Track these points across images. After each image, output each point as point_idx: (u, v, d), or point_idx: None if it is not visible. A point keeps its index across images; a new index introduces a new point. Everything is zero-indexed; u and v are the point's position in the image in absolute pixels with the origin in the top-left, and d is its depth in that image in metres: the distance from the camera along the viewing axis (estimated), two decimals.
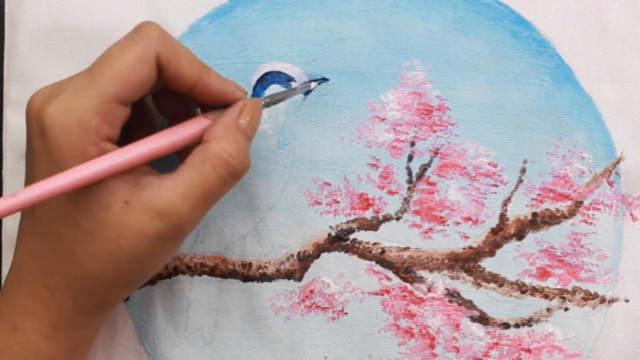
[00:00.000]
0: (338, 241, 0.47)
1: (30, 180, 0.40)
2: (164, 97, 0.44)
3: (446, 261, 0.47)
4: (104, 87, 0.38)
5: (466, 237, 0.47)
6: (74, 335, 0.42)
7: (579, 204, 0.47)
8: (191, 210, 0.39)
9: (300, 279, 0.47)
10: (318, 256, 0.47)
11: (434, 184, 0.47)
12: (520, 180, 0.47)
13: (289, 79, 0.47)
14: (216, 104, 0.42)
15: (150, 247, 0.39)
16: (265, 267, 0.47)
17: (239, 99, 0.43)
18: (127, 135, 0.42)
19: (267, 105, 0.45)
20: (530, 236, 0.47)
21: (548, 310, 0.47)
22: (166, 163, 0.43)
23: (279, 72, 0.48)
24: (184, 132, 0.41)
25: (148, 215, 0.39)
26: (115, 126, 0.39)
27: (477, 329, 0.47)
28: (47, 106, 0.38)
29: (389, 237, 0.47)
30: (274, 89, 0.47)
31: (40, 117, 0.38)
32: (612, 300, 0.46)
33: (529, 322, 0.47)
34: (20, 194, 0.36)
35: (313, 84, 0.47)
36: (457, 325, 0.47)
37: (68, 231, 0.39)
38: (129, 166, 0.39)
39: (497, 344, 0.47)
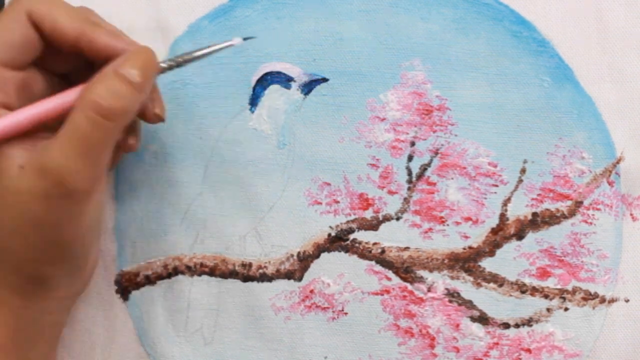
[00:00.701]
0: (338, 241, 0.47)
1: None
2: (62, 59, 0.43)
3: (446, 261, 0.47)
4: None
5: (466, 237, 0.47)
6: (12, 317, 0.41)
7: (579, 204, 0.47)
8: (70, 161, 0.38)
9: (300, 279, 0.47)
10: (318, 256, 0.47)
11: (434, 184, 0.47)
12: (520, 180, 0.47)
13: (289, 79, 0.47)
14: (108, 61, 0.40)
15: (43, 209, 0.38)
16: (265, 267, 0.47)
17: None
18: None
19: (171, 67, 0.42)
20: (530, 236, 0.47)
21: (548, 310, 0.47)
22: None
23: (278, 72, 0.48)
24: (71, 95, 0.40)
25: (36, 176, 0.38)
26: (7, 92, 0.39)
27: (477, 329, 0.47)
28: None
29: (389, 237, 0.47)
30: (273, 89, 0.47)
31: None
32: (612, 300, 0.46)
33: (529, 322, 0.47)
34: None
35: (236, 40, 0.44)
36: (457, 325, 0.47)
37: None
38: (15, 133, 0.38)
39: (497, 344, 0.47)
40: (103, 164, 0.40)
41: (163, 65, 0.42)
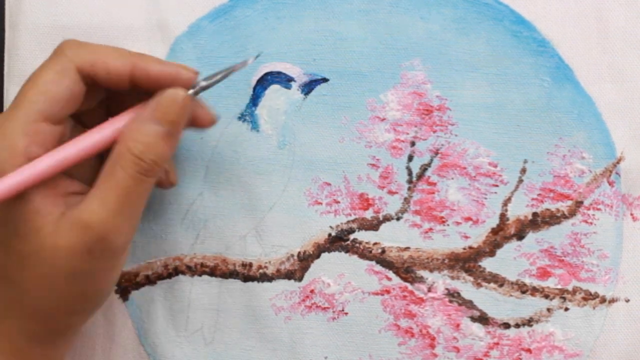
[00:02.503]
0: (338, 241, 0.47)
1: None
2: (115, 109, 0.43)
3: (446, 261, 0.47)
4: (27, 107, 0.38)
5: (466, 237, 0.47)
6: None
7: (579, 204, 0.47)
8: (113, 217, 0.38)
9: (300, 279, 0.47)
10: (318, 256, 0.47)
11: (434, 184, 0.47)
12: (521, 180, 0.47)
13: (289, 79, 0.47)
14: (163, 88, 0.40)
15: (82, 264, 0.38)
16: (266, 267, 0.47)
17: (187, 79, 0.41)
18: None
19: (198, 91, 0.42)
20: (531, 236, 0.47)
21: (548, 310, 0.47)
22: None
23: (279, 73, 0.48)
24: (102, 133, 0.40)
25: (75, 231, 0.38)
26: (46, 146, 0.39)
27: (477, 329, 0.47)
28: None
29: (389, 237, 0.47)
30: (274, 89, 0.47)
31: None
32: (612, 300, 0.46)
33: (529, 322, 0.47)
34: None
35: (251, 59, 0.43)
36: (458, 325, 0.47)
37: (4, 259, 0.39)
38: (50, 173, 0.38)
39: (497, 344, 0.47)
40: (140, 215, 0.40)
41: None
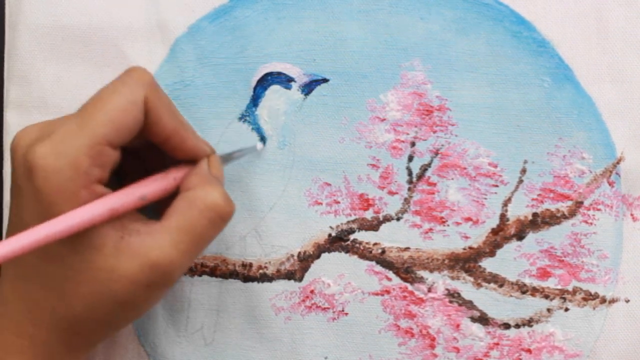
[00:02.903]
0: (338, 241, 0.47)
1: (17, 220, 0.39)
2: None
3: (446, 261, 0.47)
4: (95, 129, 0.38)
5: (466, 238, 0.47)
6: None
7: (579, 204, 0.47)
8: (182, 257, 0.39)
9: (300, 279, 0.47)
10: (318, 256, 0.47)
11: (434, 185, 0.47)
12: (521, 181, 0.47)
13: (289, 79, 0.47)
14: (185, 159, 0.42)
15: (140, 294, 0.39)
16: (266, 267, 0.47)
17: (208, 154, 0.43)
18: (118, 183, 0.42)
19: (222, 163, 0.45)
20: (531, 236, 0.47)
21: (548, 310, 0.47)
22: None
23: (279, 73, 0.48)
24: (170, 179, 0.42)
25: (139, 263, 0.38)
26: (106, 169, 0.39)
27: (477, 329, 0.47)
28: (36, 147, 0.38)
29: (389, 237, 0.47)
30: (274, 89, 0.47)
31: (29, 157, 0.38)
32: (612, 301, 0.46)
33: (529, 323, 0.47)
34: (13, 241, 0.36)
35: (259, 146, 0.47)
36: (458, 326, 0.47)
37: (57, 271, 0.39)
38: (122, 212, 0.39)
39: (497, 344, 0.47)
40: None
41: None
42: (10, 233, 0.40)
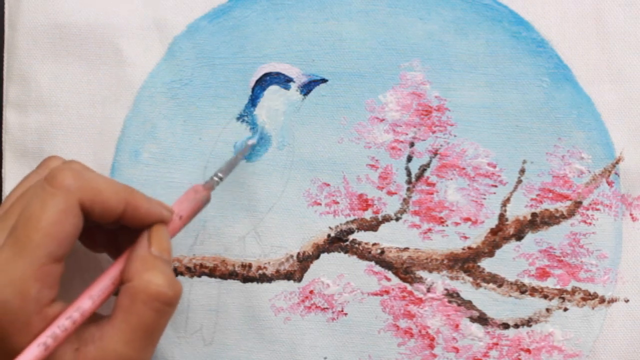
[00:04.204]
0: (337, 242, 0.47)
1: None
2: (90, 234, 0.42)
3: (445, 261, 0.47)
4: (36, 251, 0.36)
5: (465, 238, 0.47)
6: None
7: (578, 204, 0.47)
8: (140, 353, 0.38)
9: (299, 280, 0.47)
10: (318, 257, 0.47)
11: (433, 185, 0.47)
12: (520, 181, 0.47)
13: (288, 79, 0.47)
14: (145, 226, 0.41)
15: None
16: (265, 267, 0.47)
17: (166, 219, 0.41)
18: None
19: (214, 186, 0.44)
20: (530, 236, 0.47)
21: (547, 310, 0.47)
22: None
23: (277, 73, 0.48)
24: (110, 278, 0.40)
25: None
26: (55, 286, 0.38)
27: (476, 329, 0.47)
28: None
29: (388, 237, 0.47)
30: (273, 90, 0.47)
31: None
32: (611, 301, 0.47)
33: (528, 323, 0.47)
34: None
35: (250, 141, 0.47)
36: (457, 326, 0.47)
37: None
38: (73, 331, 0.38)
39: (496, 344, 0.47)
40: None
41: (215, 179, 0.44)
42: None
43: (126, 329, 0.38)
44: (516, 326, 0.47)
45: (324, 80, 0.47)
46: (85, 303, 0.38)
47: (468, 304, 0.47)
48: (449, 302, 0.47)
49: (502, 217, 0.47)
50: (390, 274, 0.47)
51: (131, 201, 0.39)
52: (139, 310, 0.38)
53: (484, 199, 0.47)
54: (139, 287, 0.38)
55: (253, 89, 0.48)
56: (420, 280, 0.47)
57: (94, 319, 0.39)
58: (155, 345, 0.39)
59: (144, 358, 0.39)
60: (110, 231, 0.42)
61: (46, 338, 0.37)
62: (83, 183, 0.38)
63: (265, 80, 0.48)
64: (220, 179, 0.44)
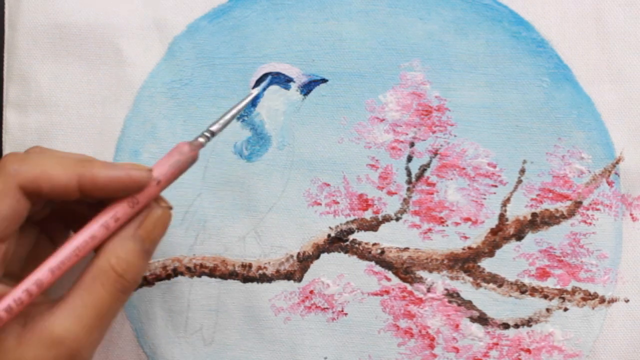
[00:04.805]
0: (338, 242, 0.47)
1: None
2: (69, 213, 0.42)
3: (445, 261, 0.47)
4: None
5: (465, 238, 0.47)
6: None
7: (578, 204, 0.47)
8: (87, 333, 0.38)
9: (300, 280, 0.47)
10: (318, 257, 0.47)
11: (434, 185, 0.47)
12: (520, 181, 0.47)
13: (288, 79, 0.47)
14: (118, 195, 0.39)
15: None
16: (265, 267, 0.47)
17: (140, 180, 0.39)
18: None
19: (209, 138, 0.42)
20: (530, 236, 0.47)
21: (548, 310, 0.47)
22: None
23: (277, 73, 0.48)
24: (76, 244, 0.39)
25: (43, 346, 0.37)
26: None
27: (476, 329, 0.47)
28: None
29: (388, 237, 0.47)
30: (273, 90, 0.47)
31: None
32: (611, 301, 0.47)
33: (528, 323, 0.47)
34: None
35: (254, 91, 0.46)
36: (457, 326, 0.47)
37: None
38: (30, 303, 0.37)
39: (496, 344, 0.47)
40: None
41: (201, 140, 0.42)
42: None
43: (80, 306, 0.38)
44: (516, 326, 0.47)
45: (324, 80, 0.47)
46: (45, 275, 0.38)
47: (468, 304, 0.47)
48: (449, 302, 0.47)
49: (502, 217, 0.47)
50: (390, 274, 0.47)
51: (85, 173, 0.38)
52: (96, 290, 0.38)
53: (484, 199, 0.47)
54: (102, 267, 0.38)
55: (253, 89, 0.48)
56: (420, 280, 0.47)
57: (47, 300, 0.39)
58: (105, 331, 0.39)
59: (92, 340, 0.38)
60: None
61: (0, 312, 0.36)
62: (24, 165, 0.38)
63: (266, 81, 0.48)
64: (212, 134, 0.42)
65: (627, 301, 0.47)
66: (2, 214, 0.38)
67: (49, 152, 0.40)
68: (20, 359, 0.37)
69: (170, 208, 0.41)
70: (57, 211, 0.43)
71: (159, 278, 0.48)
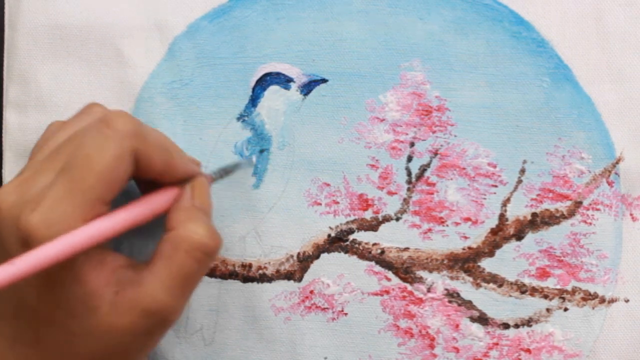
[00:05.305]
0: (338, 242, 0.47)
1: None
2: None
3: (446, 261, 0.47)
4: (86, 193, 0.37)
5: (465, 238, 0.47)
6: None
7: (578, 204, 0.47)
8: (176, 300, 0.39)
9: (300, 280, 0.47)
10: (318, 257, 0.47)
11: (434, 185, 0.47)
12: (520, 181, 0.47)
13: (288, 79, 0.47)
14: (175, 183, 0.42)
15: (140, 342, 0.39)
16: (265, 267, 0.47)
17: (197, 175, 0.43)
18: None
19: (216, 179, 0.45)
20: (530, 236, 0.47)
21: (548, 310, 0.47)
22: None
23: (278, 73, 0.48)
24: (156, 202, 0.41)
25: (135, 315, 0.38)
26: None
27: (476, 329, 0.47)
28: (28, 216, 0.36)
29: (388, 237, 0.47)
30: (273, 90, 0.47)
31: (21, 227, 0.36)
32: (611, 301, 0.47)
33: (528, 323, 0.47)
34: (17, 262, 0.35)
35: (254, 158, 0.47)
36: (457, 326, 0.47)
37: (54, 334, 0.39)
38: (104, 238, 0.38)
39: (496, 344, 0.47)
40: None
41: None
42: None
43: (166, 275, 0.39)
44: (516, 326, 0.47)
45: (324, 80, 0.47)
46: (127, 214, 0.39)
47: (468, 304, 0.47)
48: (449, 302, 0.47)
49: (502, 217, 0.47)
50: (390, 274, 0.47)
51: (171, 162, 0.41)
52: (180, 259, 0.39)
53: (484, 199, 0.47)
54: (183, 236, 0.39)
55: (253, 89, 0.48)
56: (420, 280, 0.47)
57: (131, 264, 0.40)
58: (190, 296, 0.40)
59: (179, 306, 0.39)
60: None
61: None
62: (138, 131, 0.39)
63: (266, 81, 0.48)
64: (213, 179, 0.45)
65: (627, 301, 0.46)
66: (118, 181, 0.38)
67: (151, 131, 0.41)
68: (113, 324, 0.38)
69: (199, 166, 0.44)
70: None
71: None
